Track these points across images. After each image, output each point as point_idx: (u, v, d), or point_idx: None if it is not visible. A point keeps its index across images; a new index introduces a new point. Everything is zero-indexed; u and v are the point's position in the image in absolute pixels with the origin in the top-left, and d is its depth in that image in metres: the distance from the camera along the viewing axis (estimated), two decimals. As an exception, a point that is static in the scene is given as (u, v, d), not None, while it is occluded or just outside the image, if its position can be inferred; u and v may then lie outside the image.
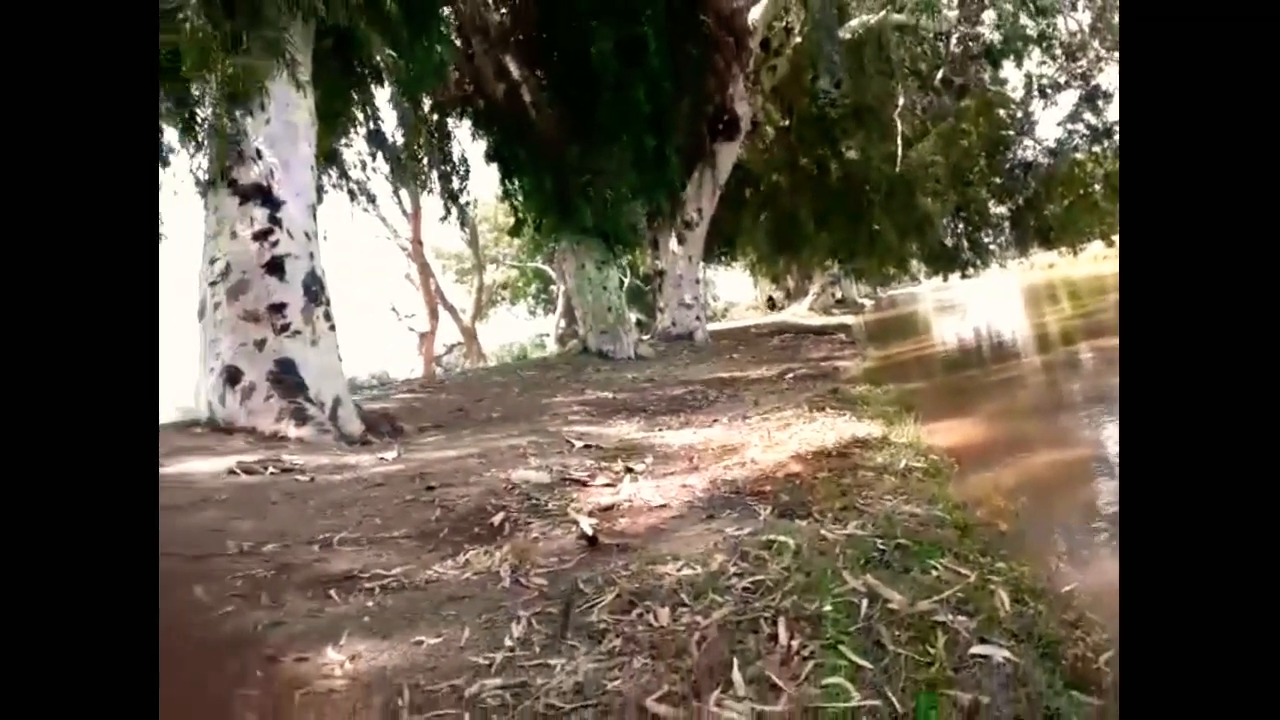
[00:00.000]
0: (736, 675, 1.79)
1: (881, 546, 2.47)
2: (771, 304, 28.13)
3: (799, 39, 15.27)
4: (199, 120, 5.80)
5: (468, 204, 12.37)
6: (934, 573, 2.24)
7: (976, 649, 1.80)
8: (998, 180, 24.51)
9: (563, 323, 22.00)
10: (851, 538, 2.58)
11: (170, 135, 6.93)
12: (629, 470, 4.15)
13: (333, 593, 2.57)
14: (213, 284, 5.47)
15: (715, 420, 5.76)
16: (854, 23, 16.76)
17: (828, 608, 2.06)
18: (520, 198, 11.50)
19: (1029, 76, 19.58)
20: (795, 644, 1.91)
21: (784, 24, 15.44)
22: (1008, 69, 19.65)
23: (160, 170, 7.77)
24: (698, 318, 14.00)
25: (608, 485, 3.88)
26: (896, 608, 2.02)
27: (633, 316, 13.35)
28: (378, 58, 6.15)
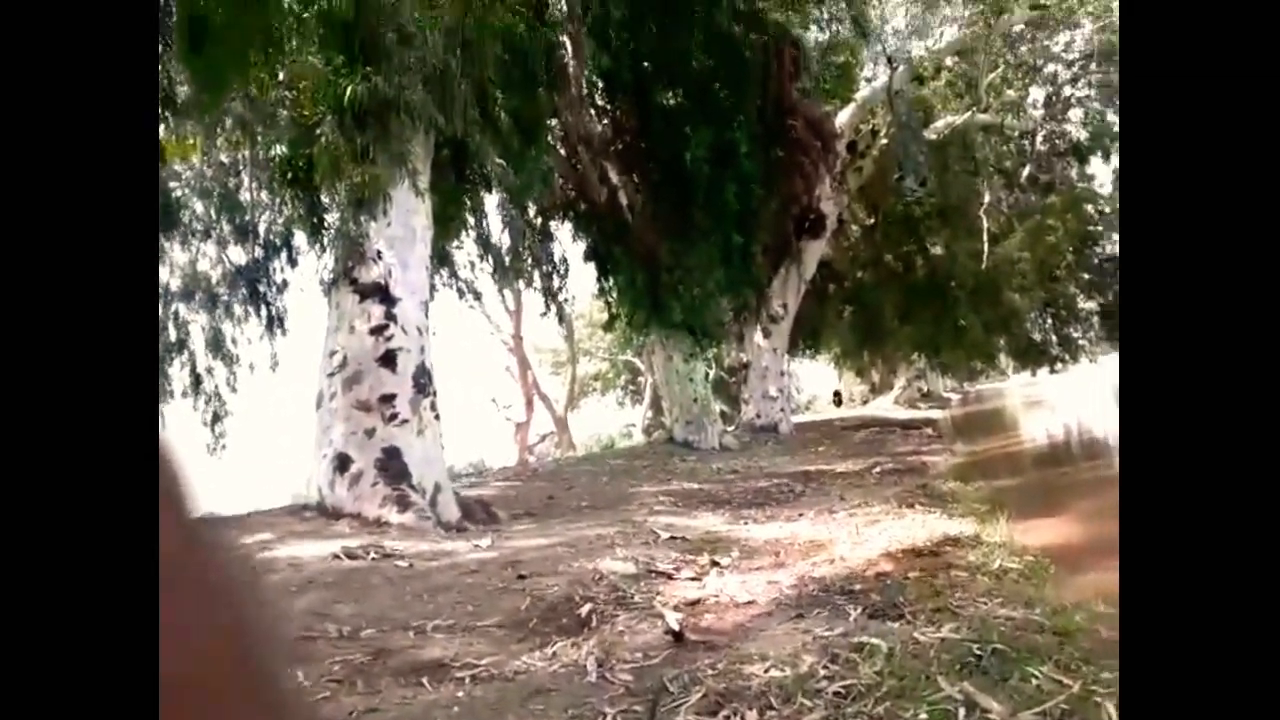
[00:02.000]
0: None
1: (978, 651, 2.39)
2: (838, 399, 26.43)
3: (885, 140, 15.53)
4: (325, 225, 6.32)
5: (566, 301, 12.83)
6: (1034, 681, 2.17)
7: (1080, 765, 1.74)
8: (1086, 275, 23.89)
9: (649, 413, 22.12)
10: (946, 641, 2.52)
11: (299, 238, 7.59)
12: (715, 564, 4.15)
13: (424, 680, 2.65)
14: (330, 375, 5.86)
15: (801, 514, 5.70)
16: (939, 124, 16.97)
17: (923, 716, 2.01)
18: (614, 294, 11.95)
19: (1117, 172, 19.31)
20: (889, 751, 1.88)
21: (870, 127, 15.76)
22: (1095, 165, 19.51)
23: (289, 269, 8.49)
24: (782, 410, 13.93)
25: (693, 579, 3.88)
26: (996, 718, 1.96)
27: (718, 408, 13.36)
28: (488, 167, 6.63)
